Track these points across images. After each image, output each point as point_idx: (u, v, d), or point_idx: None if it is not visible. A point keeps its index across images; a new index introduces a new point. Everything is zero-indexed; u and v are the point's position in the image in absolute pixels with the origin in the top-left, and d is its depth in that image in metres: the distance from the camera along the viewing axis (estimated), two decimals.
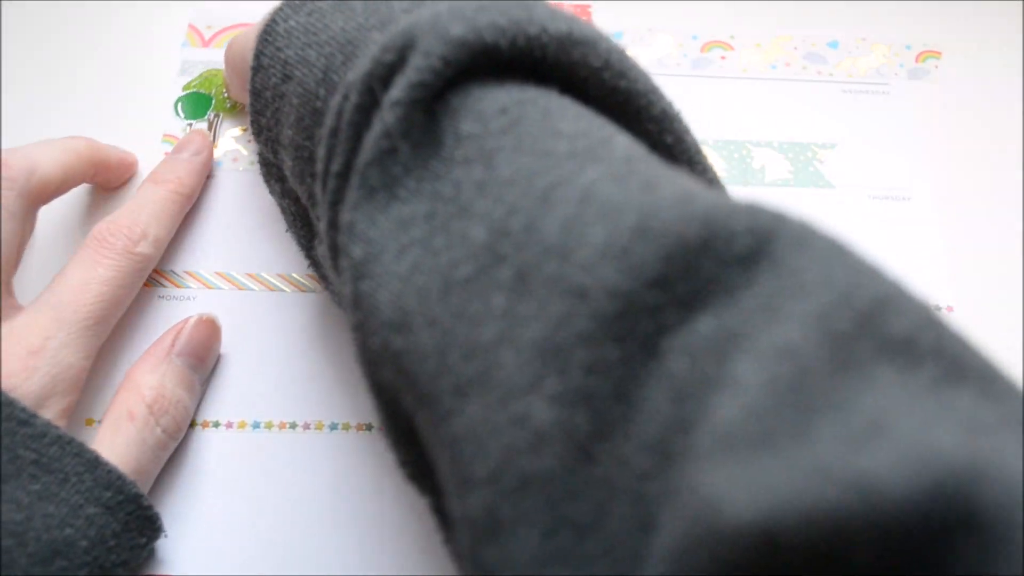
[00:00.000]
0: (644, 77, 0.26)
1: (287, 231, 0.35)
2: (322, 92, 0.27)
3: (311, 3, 0.29)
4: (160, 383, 0.33)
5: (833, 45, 0.46)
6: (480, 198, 0.22)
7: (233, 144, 0.41)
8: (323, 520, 0.34)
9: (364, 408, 0.36)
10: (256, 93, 0.31)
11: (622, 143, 0.23)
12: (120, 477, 0.29)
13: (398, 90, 0.24)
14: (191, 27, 0.44)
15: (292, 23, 0.29)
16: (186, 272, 0.38)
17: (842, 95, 0.45)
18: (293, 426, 0.35)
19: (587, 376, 0.19)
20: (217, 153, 0.41)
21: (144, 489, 0.32)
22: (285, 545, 0.33)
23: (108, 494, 0.29)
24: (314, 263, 0.34)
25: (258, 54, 0.30)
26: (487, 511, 0.20)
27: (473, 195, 0.23)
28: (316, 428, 0.35)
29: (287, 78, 0.29)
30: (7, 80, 0.42)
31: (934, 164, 0.43)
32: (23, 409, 0.29)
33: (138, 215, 0.35)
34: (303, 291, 0.38)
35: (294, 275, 0.38)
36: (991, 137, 0.44)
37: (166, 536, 0.32)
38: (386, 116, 0.24)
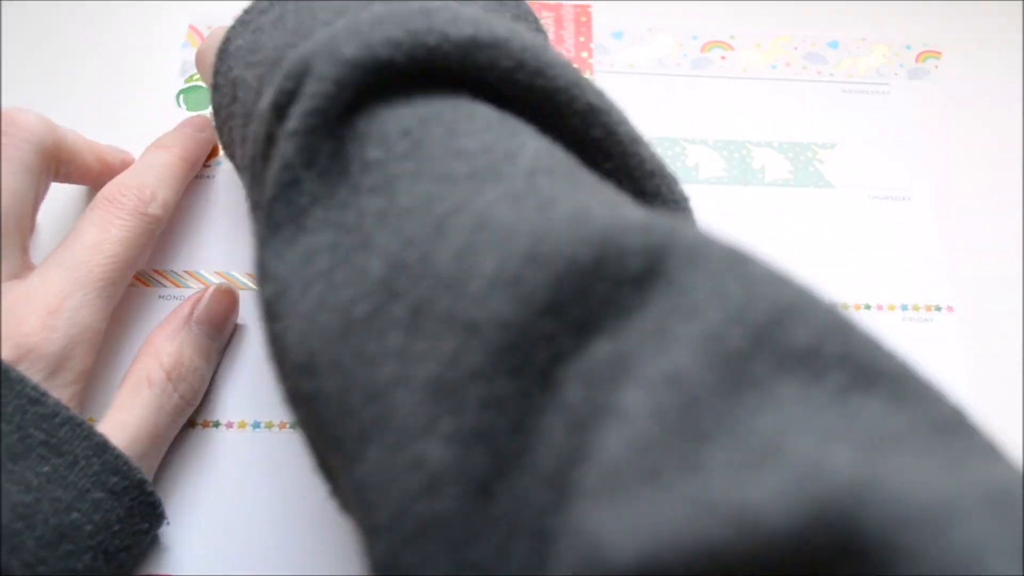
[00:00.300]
0: (566, 71, 0.25)
1: None
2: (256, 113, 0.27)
3: (258, 19, 0.29)
4: (179, 350, 0.33)
5: (833, 45, 0.46)
6: (380, 229, 0.22)
7: None
8: (323, 520, 0.34)
9: None
10: (215, 112, 0.31)
11: (528, 154, 0.22)
12: (126, 463, 0.30)
13: (294, 120, 0.23)
14: (191, 27, 0.44)
15: (240, 41, 0.29)
16: (186, 272, 0.38)
17: (842, 95, 0.45)
18: (293, 426, 0.35)
19: (482, 413, 0.19)
20: (217, 153, 0.41)
21: (159, 454, 0.33)
22: (285, 545, 0.33)
23: (114, 479, 0.29)
24: None
25: (215, 72, 0.30)
26: (390, 557, 0.19)
27: (374, 226, 0.22)
28: None
29: (234, 99, 0.29)
30: (7, 80, 0.42)
31: (934, 164, 0.43)
32: (34, 387, 0.29)
33: (146, 177, 0.35)
34: None
35: None
36: (991, 137, 0.44)
37: (168, 524, 0.32)
38: (284, 148, 0.23)
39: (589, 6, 0.46)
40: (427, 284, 0.20)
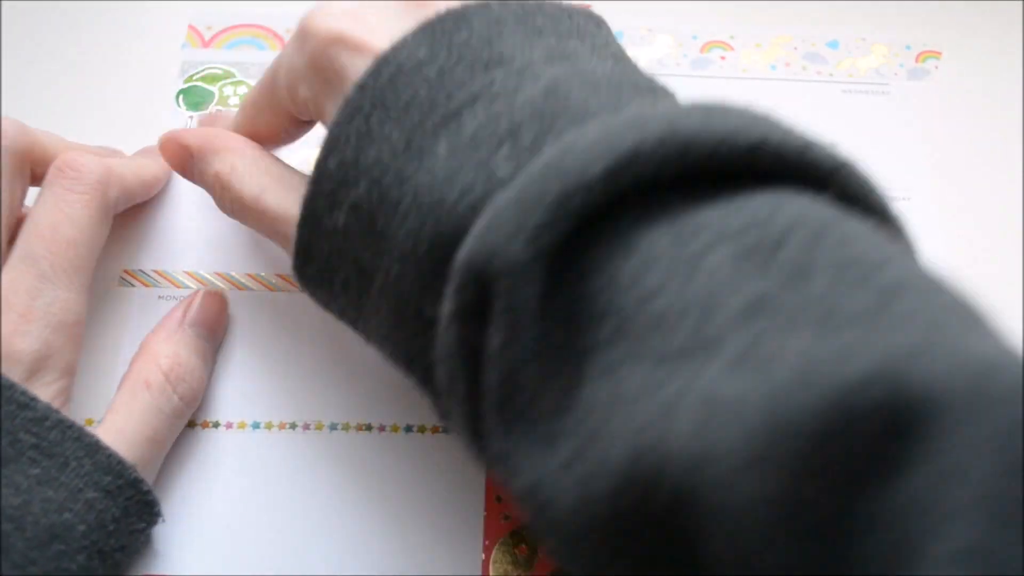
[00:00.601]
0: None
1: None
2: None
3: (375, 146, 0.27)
4: (175, 352, 0.33)
5: (833, 45, 0.46)
6: (612, 417, 0.22)
7: None
8: (323, 520, 0.34)
9: (364, 408, 0.36)
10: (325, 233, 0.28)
11: (736, 303, 0.21)
12: (120, 462, 0.29)
13: (494, 348, 0.23)
14: (191, 27, 0.45)
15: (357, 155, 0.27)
16: (186, 272, 0.38)
17: (842, 95, 0.45)
18: (293, 426, 0.35)
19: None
20: None
21: (160, 457, 0.33)
22: (285, 545, 0.33)
23: (108, 479, 0.29)
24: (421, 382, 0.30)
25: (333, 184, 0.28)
26: None
27: (604, 415, 0.22)
28: (316, 428, 0.35)
29: (371, 229, 0.27)
30: (7, 80, 0.43)
31: (934, 164, 0.43)
32: (23, 392, 0.29)
33: (107, 159, 0.35)
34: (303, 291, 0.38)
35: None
36: (991, 137, 0.44)
37: (163, 521, 0.32)
38: (499, 359, 0.23)
39: (589, 6, 0.46)
40: (671, 469, 0.20)
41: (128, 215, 0.39)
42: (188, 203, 0.40)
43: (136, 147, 0.40)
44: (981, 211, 0.42)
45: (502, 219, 0.22)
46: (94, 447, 0.29)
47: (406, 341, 0.27)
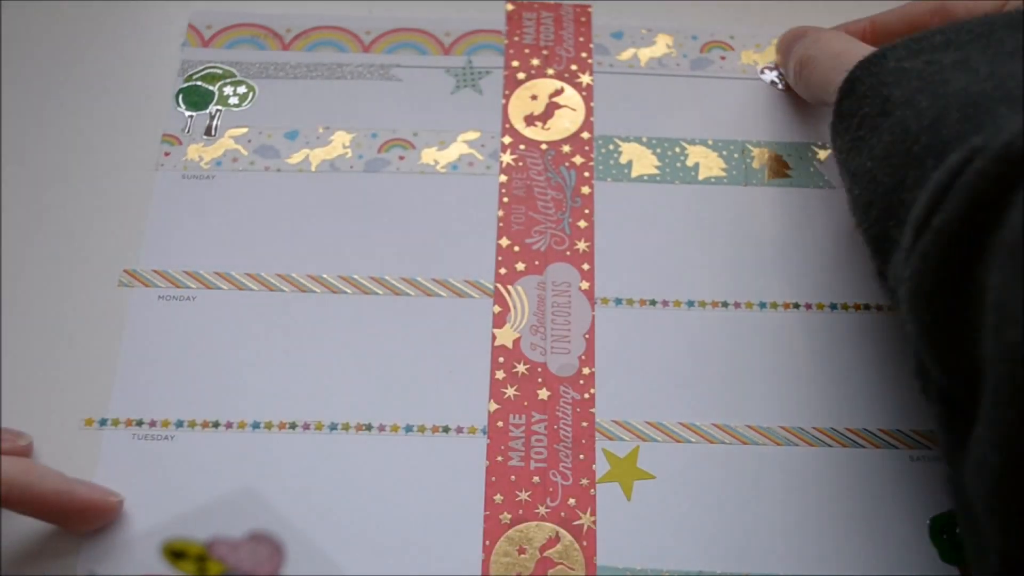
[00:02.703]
0: None
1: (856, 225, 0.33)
2: (924, 139, 0.28)
3: (930, 53, 0.31)
4: None
5: None
6: None
7: (233, 144, 0.41)
8: (322, 520, 0.34)
9: (364, 408, 0.36)
10: (841, 115, 0.33)
11: None
12: None
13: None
14: (191, 27, 0.45)
15: (907, 64, 0.31)
16: (186, 272, 0.38)
17: None
18: (293, 426, 0.35)
19: None
20: (217, 153, 0.41)
21: None
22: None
23: None
24: (880, 274, 0.33)
25: (854, 80, 0.32)
26: None
27: None
28: (316, 428, 0.35)
29: (885, 113, 0.30)
30: (7, 80, 0.43)
31: None
32: None
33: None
34: (303, 291, 0.38)
35: (294, 275, 0.38)
36: None
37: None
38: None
39: (589, 6, 0.46)
40: None
41: (128, 215, 0.39)
42: (188, 203, 0.40)
43: (136, 146, 0.40)
44: None
45: None
46: None
47: (899, 168, 0.29)
